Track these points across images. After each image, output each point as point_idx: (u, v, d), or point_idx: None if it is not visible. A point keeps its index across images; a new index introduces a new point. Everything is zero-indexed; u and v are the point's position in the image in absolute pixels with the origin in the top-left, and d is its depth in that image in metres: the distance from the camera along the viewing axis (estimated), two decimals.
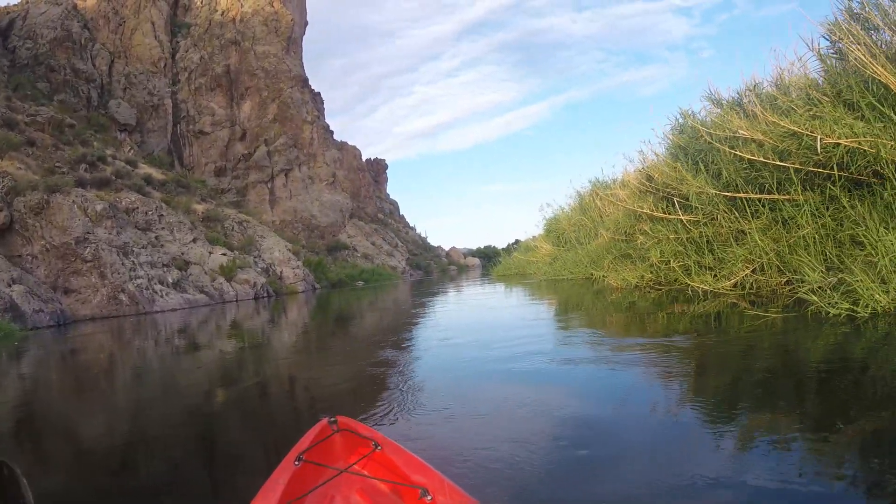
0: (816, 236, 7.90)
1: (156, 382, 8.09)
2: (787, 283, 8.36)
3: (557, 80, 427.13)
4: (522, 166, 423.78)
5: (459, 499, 2.21)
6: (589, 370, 5.62)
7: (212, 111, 60.73)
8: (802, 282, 7.31)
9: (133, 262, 26.56)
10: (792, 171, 8.40)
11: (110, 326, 19.02)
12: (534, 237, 32.01)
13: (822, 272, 7.04)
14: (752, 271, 9.03)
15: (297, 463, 2.58)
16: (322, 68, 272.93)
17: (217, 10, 65.57)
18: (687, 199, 11.07)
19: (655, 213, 12.35)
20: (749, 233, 9.18)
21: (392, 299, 25.37)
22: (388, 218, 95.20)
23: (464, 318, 13.36)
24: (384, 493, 2.53)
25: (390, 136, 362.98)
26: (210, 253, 34.09)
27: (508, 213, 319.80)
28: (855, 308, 6.06)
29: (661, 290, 11.55)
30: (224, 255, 34.62)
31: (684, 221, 11.15)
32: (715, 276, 9.70)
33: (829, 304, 6.31)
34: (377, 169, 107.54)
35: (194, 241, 34.29)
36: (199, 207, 41.23)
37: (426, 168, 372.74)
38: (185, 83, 61.00)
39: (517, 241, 55.92)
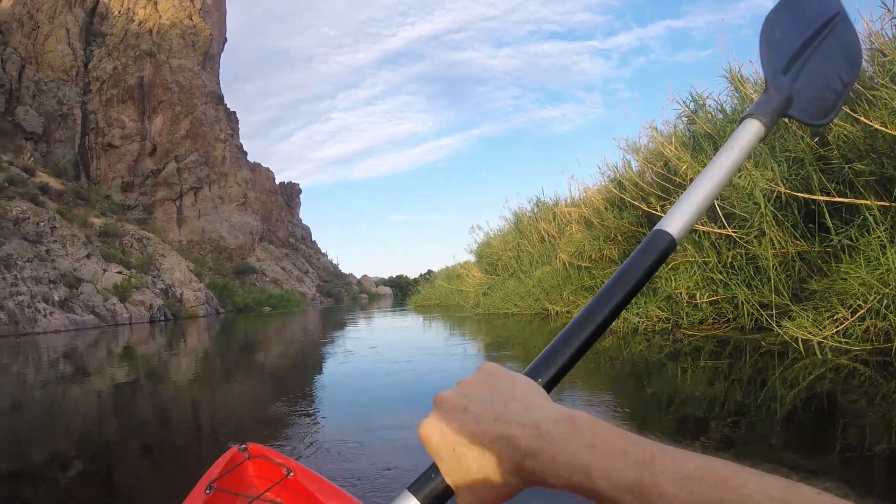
0: None
1: (39, 416, 6.95)
2: None
3: (474, 113, 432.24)
4: (436, 197, 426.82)
5: None
6: None
7: (122, 124, 58.50)
8: None
9: (15, 276, 24.52)
10: None
11: None
12: (462, 263, 30.05)
13: None
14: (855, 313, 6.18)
15: (207, 492, 2.43)
16: (240, 89, 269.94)
17: (134, 20, 63.56)
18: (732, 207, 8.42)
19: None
20: (866, 251, 6.31)
21: (300, 329, 23.32)
22: (299, 243, 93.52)
23: (388, 379, 8.01)
24: None
25: (306, 161, 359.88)
26: (105, 270, 32.14)
27: (421, 244, 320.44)
28: None
29: (686, 337, 8.46)
30: (119, 273, 32.70)
31: (732, 237, 8.45)
32: (814, 320, 6.44)
33: None
34: (290, 193, 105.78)
35: (88, 256, 32.26)
36: (97, 221, 39.16)
37: (340, 195, 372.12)
38: (96, 93, 58.66)
39: (430, 272, 55.17)
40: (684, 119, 11.23)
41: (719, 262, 8.69)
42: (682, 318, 9.15)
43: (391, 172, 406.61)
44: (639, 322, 9.78)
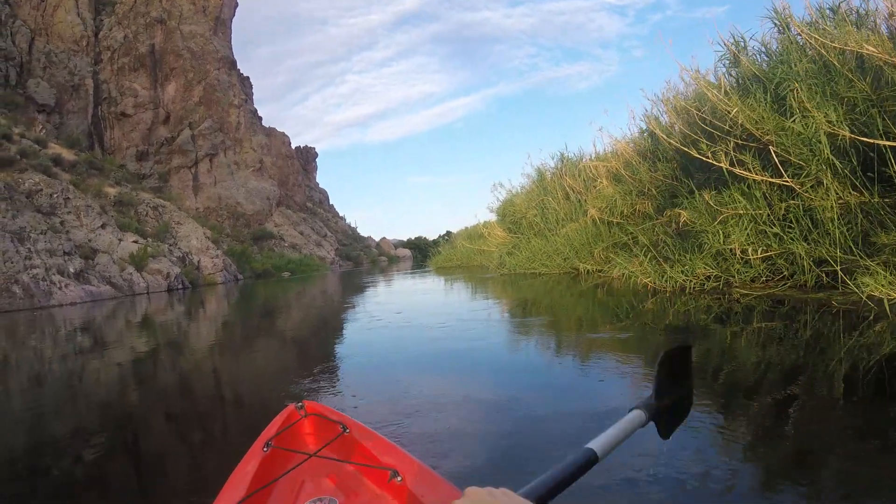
0: None
1: (60, 389, 6.61)
2: None
3: (489, 73, 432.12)
4: (453, 160, 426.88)
5: (429, 479, 2.14)
6: None
7: (135, 92, 58.06)
8: None
9: (29, 249, 24.11)
10: None
11: (1, 323, 16.96)
12: (484, 223, 29.15)
13: None
14: None
15: (265, 449, 2.49)
16: (253, 54, 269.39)
17: None
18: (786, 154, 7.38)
19: (740, 171, 7.96)
20: None
21: (321, 294, 22.69)
22: (317, 207, 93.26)
23: (422, 348, 7.05)
24: (354, 475, 2.44)
25: (321, 124, 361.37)
26: (120, 240, 31.76)
27: (439, 205, 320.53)
28: None
29: (741, 296, 7.45)
30: (135, 242, 32.37)
31: (787, 187, 7.47)
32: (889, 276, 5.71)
33: None
34: (307, 157, 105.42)
35: (103, 226, 31.89)
36: (111, 191, 38.78)
37: (357, 158, 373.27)
38: (107, 63, 58.20)
39: (448, 233, 54.70)
40: (725, 62, 10.06)
41: (771, 215, 7.78)
42: (734, 276, 8.26)
43: (407, 134, 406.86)
44: (685, 280, 8.92)
